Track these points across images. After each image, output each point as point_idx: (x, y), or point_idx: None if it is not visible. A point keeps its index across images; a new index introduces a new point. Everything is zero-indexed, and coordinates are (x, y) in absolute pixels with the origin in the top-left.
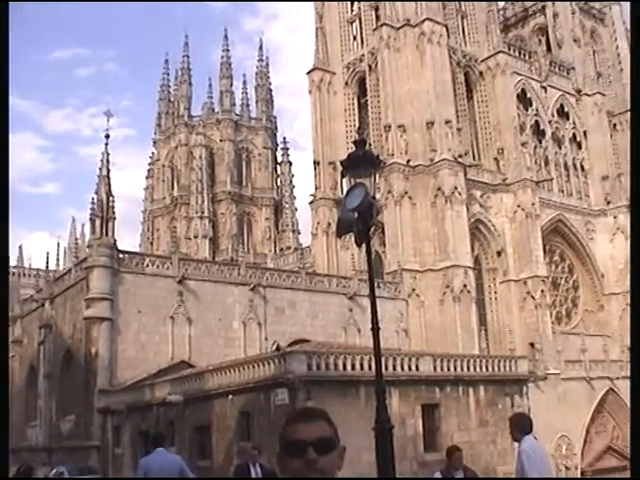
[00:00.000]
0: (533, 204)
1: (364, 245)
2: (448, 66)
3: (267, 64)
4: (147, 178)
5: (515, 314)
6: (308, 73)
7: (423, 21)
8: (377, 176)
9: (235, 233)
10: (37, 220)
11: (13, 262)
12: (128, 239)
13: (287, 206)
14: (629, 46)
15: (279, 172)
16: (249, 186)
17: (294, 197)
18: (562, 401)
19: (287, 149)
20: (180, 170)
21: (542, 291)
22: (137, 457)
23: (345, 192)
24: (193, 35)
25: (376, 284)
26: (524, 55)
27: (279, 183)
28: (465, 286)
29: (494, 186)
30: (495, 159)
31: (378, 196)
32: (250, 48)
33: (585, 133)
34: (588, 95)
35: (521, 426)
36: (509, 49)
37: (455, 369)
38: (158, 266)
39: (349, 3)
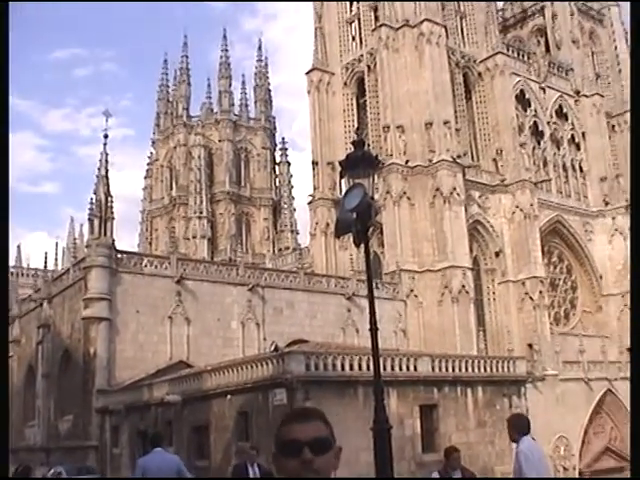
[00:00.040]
0: (531, 205)
1: (362, 245)
2: (447, 67)
3: (266, 64)
4: (146, 178)
5: (513, 315)
6: (307, 73)
7: (422, 22)
8: (376, 176)
9: (234, 233)
10: (36, 220)
11: (11, 262)
12: (126, 239)
13: (286, 206)
14: (628, 47)
15: (278, 172)
16: (248, 186)
17: (293, 197)
18: (560, 402)
19: (286, 149)
20: (179, 170)
21: (540, 292)
22: (135, 457)
23: (344, 192)
24: (192, 35)
25: (374, 284)
26: (523, 56)
27: (278, 183)
28: (463, 287)
29: (492, 187)
30: (494, 160)
31: (376, 196)
32: (249, 48)
33: (584, 134)
34: (587, 96)
35: (519, 427)
36: (508, 50)
37: (453, 370)
38: (156, 266)
39: (348, 3)
